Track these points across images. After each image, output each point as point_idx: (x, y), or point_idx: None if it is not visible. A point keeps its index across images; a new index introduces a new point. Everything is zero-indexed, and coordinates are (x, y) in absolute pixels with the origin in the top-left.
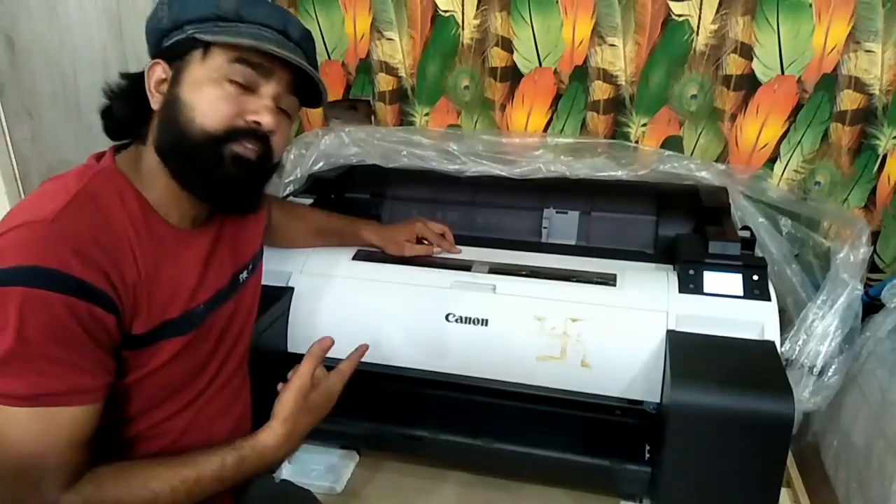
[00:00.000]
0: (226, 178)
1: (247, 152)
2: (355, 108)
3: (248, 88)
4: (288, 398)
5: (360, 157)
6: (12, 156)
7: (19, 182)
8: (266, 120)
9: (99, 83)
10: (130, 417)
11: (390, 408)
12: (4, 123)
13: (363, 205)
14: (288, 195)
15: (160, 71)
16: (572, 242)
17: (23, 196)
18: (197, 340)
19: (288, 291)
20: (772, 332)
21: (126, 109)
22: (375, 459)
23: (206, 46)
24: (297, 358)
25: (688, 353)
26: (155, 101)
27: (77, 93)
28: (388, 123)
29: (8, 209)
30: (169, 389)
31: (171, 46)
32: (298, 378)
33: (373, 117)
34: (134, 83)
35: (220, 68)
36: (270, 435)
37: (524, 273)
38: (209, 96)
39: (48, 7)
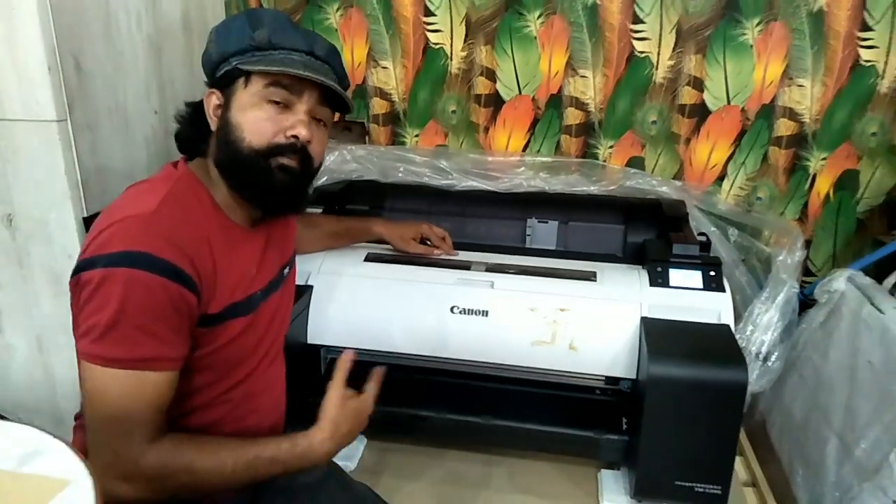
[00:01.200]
0: (274, 187)
1: (290, 163)
2: (350, 129)
3: (285, 106)
4: (329, 404)
5: (360, 173)
6: (76, 165)
7: (81, 188)
8: (302, 132)
9: (142, 102)
10: (200, 387)
11: (398, 394)
12: (72, 136)
13: (363, 216)
14: None
15: (215, 98)
16: (553, 247)
17: (83, 200)
18: (255, 322)
19: (308, 289)
20: (727, 317)
21: (192, 131)
22: (381, 442)
23: (247, 75)
24: (317, 349)
25: (660, 335)
26: (213, 124)
27: (126, 110)
28: (381, 144)
29: (72, 212)
30: (230, 364)
31: (221, 76)
32: (335, 387)
33: (366, 138)
34: (196, 110)
35: (260, 92)
36: (318, 431)
37: (517, 271)
38: (253, 117)
39: (106, 35)
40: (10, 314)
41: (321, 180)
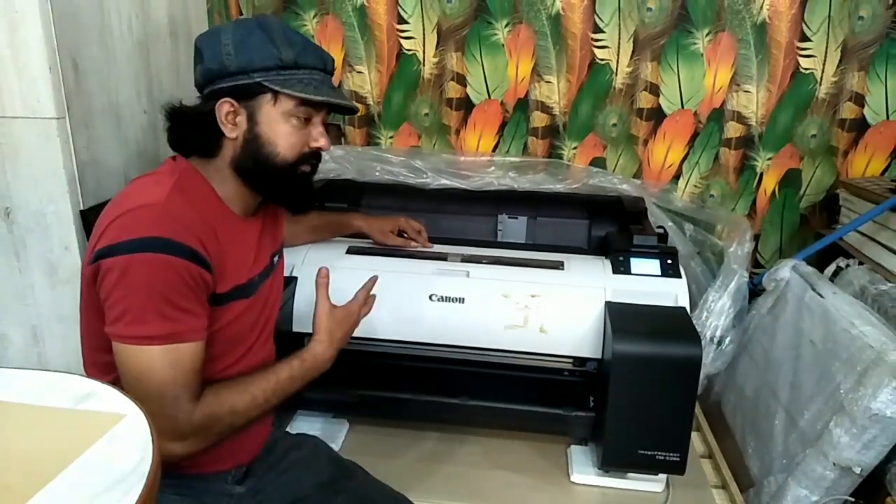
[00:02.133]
0: (300, 191)
1: (310, 169)
2: (326, 131)
3: (306, 119)
4: (320, 317)
5: (338, 172)
6: (74, 160)
7: (78, 182)
8: (324, 144)
9: (133, 101)
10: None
11: (380, 379)
12: (70, 133)
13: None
14: None
15: (228, 106)
16: (522, 241)
17: (80, 195)
18: (252, 305)
19: (292, 281)
20: (683, 301)
21: (197, 132)
22: (364, 427)
23: (276, 92)
24: (302, 336)
25: (623, 317)
26: (229, 130)
27: (118, 109)
28: (357, 145)
29: (70, 205)
30: (231, 342)
31: (237, 87)
32: (320, 302)
33: (342, 139)
34: (201, 114)
35: (290, 110)
36: (316, 342)
37: (491, 261)
38: (284, 132)
39: (101, 37)
40: (5, 305)
41: None
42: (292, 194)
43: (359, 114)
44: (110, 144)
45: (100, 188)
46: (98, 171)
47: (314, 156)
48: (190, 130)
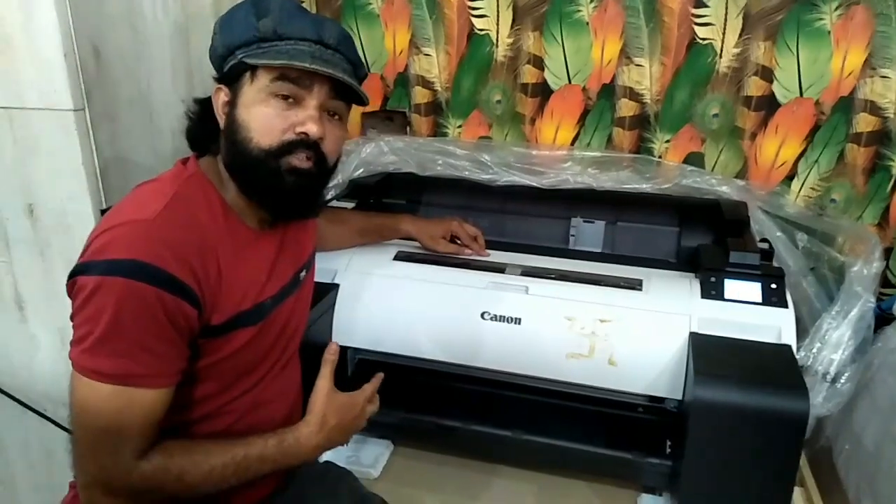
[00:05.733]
0: (285, 189)
1: (301, 163)
2: (391, 118)
3: (295, 101)
4: (316, 397)
5: (398, 166)
6: (95, 156)
7: (100, 179)
8: (312, 129)
9: (168, 90)
10: (204, 397)
11: (426, 400)
12: (90, 126)
13: (400, 210)
14: (330, 200)
15: (223, 95)
16: (598, 250)
17: (102, 192)
18: (263, 332)
19: (334, 288)
20: (788, 337)
21: (202, 128)
22: (409, 449)
23: (253, 69)
24: (343, 350)
25: (709, 353)
26: (222, 122)
27: (150, 99)
28: (423, 134)
29: (91, 204)
30: (237, 374)
31: (228, 71)
32: (321, 380)
33: (408, 128)
34: (205, 107)
35: (266, 87)
36: (304, 425)
37: (555, 276)
38: (260, 115)
39: (129, 21)
40: (34, 305)
41: (357, 172)
42: (274, 193)
43: (426, 100)
44: (140, 137)
45: (127, 186)
46: (125, 168)
47: (303, 145)
48: (194, 127)
